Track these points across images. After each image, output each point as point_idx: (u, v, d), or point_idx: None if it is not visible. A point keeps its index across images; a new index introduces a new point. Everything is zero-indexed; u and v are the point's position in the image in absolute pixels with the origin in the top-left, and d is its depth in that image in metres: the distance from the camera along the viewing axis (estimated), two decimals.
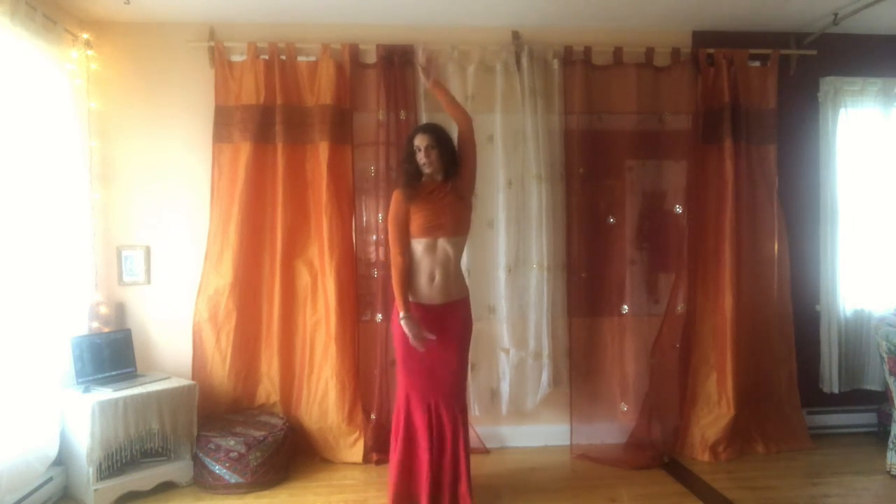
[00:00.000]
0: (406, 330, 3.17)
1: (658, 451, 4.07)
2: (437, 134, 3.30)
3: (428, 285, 3.26)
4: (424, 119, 4.08)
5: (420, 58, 3.48)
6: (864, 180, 4.46)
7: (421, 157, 3.26)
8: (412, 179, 3.29)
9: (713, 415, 4.17)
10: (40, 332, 3.35)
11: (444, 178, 3.31)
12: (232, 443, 3.60)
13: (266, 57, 4.05)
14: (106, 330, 3.93)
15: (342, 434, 4.03)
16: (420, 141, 3.27)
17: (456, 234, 3.29)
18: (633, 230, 4.30)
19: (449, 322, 3.29)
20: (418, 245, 3.27)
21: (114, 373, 3.76)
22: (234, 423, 3.85)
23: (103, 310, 4.00)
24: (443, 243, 3.25)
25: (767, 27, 4.33)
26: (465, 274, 4.08)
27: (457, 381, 3.34)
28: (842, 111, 4.43)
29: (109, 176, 4.07)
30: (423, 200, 3.25)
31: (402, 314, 3.19)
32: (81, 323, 3.83)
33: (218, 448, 3.59)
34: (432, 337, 3.18)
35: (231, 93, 4.06)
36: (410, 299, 3.25)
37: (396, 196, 3.30)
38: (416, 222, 3.25)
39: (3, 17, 3.02)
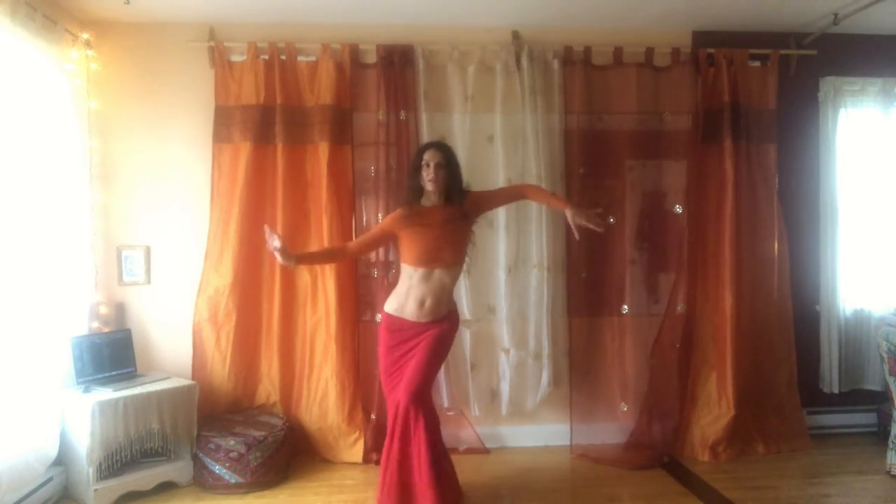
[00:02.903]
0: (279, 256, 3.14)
1: (658, 451, 4.07)
2: (448, 155, 3.23)
3: (418, 309, 3.17)
4: (424, 119, 4.09)
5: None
6: (864, 180, 4.46)
7: (428, 174, 3.16)
8: (415, 197, 3.22)
9: (713, 415, 4.17)
10: (40, 332, 3.35)
11: (444, 202, 3.23)
12: (232, 443, 3.60)
13: (266, 57, 4.05)
14: (106, 330, 3.93)
15: (342, 434, 4.03)
16: (430, 157, 3.18)
17: (454, 266, 3.23)
18: (633, 230, 4.30)
19: (428, 333, 3.18)
20: (414, 273, 3.17)
21: (114, 373, 3.76)
22: (234, 423, 3.85)
23: (103, 310, 4.00)
24: (440, 273, 3.17)
25: (767, 27, 4.33)
26: (465, 274, 4.09)
27: (419, 377, 3.10)
28: (842, 111, 4.44)
29: (109, 176, 4.07)
30: (423, 227, 3.15)
31: (294, 260, 3.23)
32: (81, 323, 3.83)
33: (218, 448, 3.59)
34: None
35: (231, 93, 4.06)
36: (394, 314, 3.21)
37: (396, 214, 3.25)
38: (414, 251, 3.16)
39: (3, 17, 3.02)
